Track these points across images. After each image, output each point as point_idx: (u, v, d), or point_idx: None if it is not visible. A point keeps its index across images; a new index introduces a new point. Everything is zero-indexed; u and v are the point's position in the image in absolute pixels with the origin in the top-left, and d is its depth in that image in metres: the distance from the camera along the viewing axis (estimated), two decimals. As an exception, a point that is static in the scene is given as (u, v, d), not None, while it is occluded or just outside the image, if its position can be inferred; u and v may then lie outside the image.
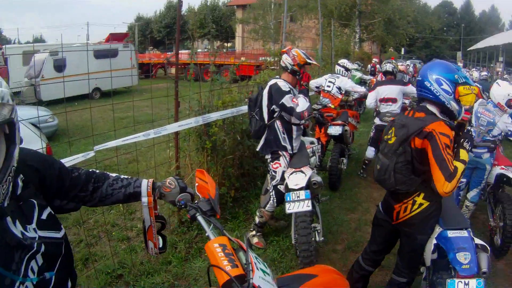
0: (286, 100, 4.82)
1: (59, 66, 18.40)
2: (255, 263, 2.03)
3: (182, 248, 5.17)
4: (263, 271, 2.08)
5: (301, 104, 4.82)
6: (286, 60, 5.01)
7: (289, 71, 5.01)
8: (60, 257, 1.80)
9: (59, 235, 1.80)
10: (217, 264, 1.90)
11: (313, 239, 4.66)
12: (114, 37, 28.50)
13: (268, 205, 5.20)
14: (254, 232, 5.44)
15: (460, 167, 3.03)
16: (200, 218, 2.24)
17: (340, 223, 6.19)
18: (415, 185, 3.24)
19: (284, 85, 4.93)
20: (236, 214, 6.14)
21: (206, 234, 2.16)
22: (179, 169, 5.74)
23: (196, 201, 2.35)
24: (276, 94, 4.91)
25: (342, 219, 6.33)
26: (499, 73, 26.18)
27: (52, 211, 1.82)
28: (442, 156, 3.00)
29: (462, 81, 3.31)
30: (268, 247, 5.37)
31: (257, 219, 5.40)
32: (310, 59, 5.12)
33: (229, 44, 53.69)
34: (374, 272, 4.19)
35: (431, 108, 3.34)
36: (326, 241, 5.53)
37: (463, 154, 3.15)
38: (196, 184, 2.43)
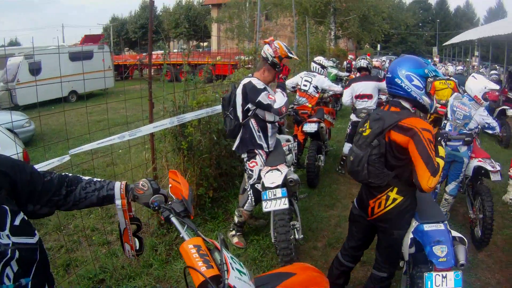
0: (263, 98, 4.78)
1: (35, 70, 18.13)
2: (230, 263, 2.02)
3: (162, 251, 5.13)
4: (239, 271, 2.06)
5: (279, 99, 4.80)
6: (267, 51, 4.95)
7: (269, 62, 4.96)
8: (36, 262, 1.78)
9: (33, 240, 1.79)
10: (192, 265, 1.89)
11: (292, 237, 4.65)
12: (89, 39, 28.19)
13: (246, 205, 5.19)
14: (234, 232, 5.43)
15: (441, 163, 3.07)
16: (174, 219, 2.22)
17: (319, 220, 6.21)
18: (387, 179, 3.24)
19: (258, 83, 4.89)
20: (215, 214, 6.11)
21: (181, 235, 2.15)
22: (156, 171, 5.69)
23: (169, 202, 2.33)
24: (251, 92, 4.86)
25: (322, 216, 6.35)
26: (475, 67, 26.53)
27: (25, 217, 1.80)
28: (427, 152, 3.01)
29: (432, 75, 3.33)
30: (248, 246, 5.36)
31: (236, 219, 5.38)
32: (291, 53, 5.08)
33: (205, 44, 53.50)
34: (355, 268, 4.22)
35: (405, 103, 3.35)
36: (306, 238, 5.56)
37: (441, 151, 3.19)
38: (170, 185, 2.42)
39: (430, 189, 3.01)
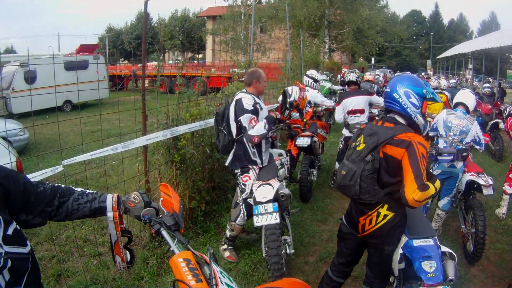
0: (244, 119, 4.86)
1: (30, 78, 18.11)
2: (219, 278, 2.04)
3: (154, 263, 5.13)
4: (228, 286, 2.09)
5: (257, 128, 4.86)
6: (295, 93, 5.17)
7: (288, 100, 5.08)
8: (27, 272, 1.81)
9: (25, 250, 1.81)
10: (182, 279, 1.91)
11: (283, 251, 4.65)
12: (84, 49, 28.25)
13: (238, 219, 5.20)
14: (225, 246, 5.42)
15: (432, 189, 3.07)
16: (164, 232, 2.25)
17: (312, 235, 6.21)
18: (378, 196, 3.25)
19: (248, 102, 4.95)
20: (208, 228, 6.11)
21: (171, 249, 2.17)
22: (148, 183, 5.70)
23: (160, 216, 2.36)
24: (238, 109, 4.95)
25: (314, 231, 6.35)
26: (468, 80, 26.72)
27: (17, 226, 1.82)
28: (418, 164, 3.04)
29: (429, 97, 3.38)
30: (240, 260, 5.36)
31: (228, 233, 5.39)
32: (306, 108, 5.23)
33: (200, 56, 53.65)
34: (347, 283, 4.23)
35: (399, 119, 3.39)
36: (298, 253, 5.57)
37: (438, 183, 3.22)
38: (161, 198, 2.45)
39: (413, 202, 3.01)
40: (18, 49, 74.65)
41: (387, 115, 3.51)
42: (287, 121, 7.45)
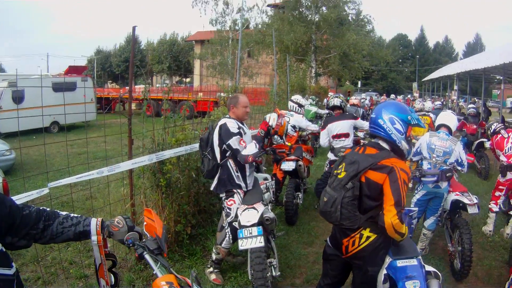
0: (233, 142, 4.93)
1: (18, 98, 18.06)
2: (201, 300, 2.08)
3: (139, 286, 5.13)
4: None
5: (250, 148, 4.96)
6: (273, 120, 5.21)
7: (268, 127, 5.18)
8: None
9: (11, 272, 1.84)
10: (165, 302, 1.95)
11: (269, 274, 4.69)
12: (73, 70, 28.15)
13: (224, 242, 5.21)
14: (211, 269, 5.42)
15: (405, 230, 3.16)
16: (147, 256, 2.29)
17: (298, 257, 6.23)
18: (359, 222, 3.30)
19: (232, 126, 5.03)
20: (193, 251, 6.10)
21: (154, 272, 2.22)
22: (134, 207, 5.71)
23: (144, 240, 2.39)
24: (224, 134, 5.02)
25: (300, 253, 6.37)
26: (454, 101, 27.06)
27: (3, 248, 1.85)
28: (399, 190, 3.11)
29: (414, 123, 3.48)
30: (226, 283, 5.36)
31: (214, 256, 5.39)
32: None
33: (187, 80, 53.83)
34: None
35: (384, 144, 3.47)
36: (284, 275, 5.59)
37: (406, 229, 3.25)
38: (145, 223, 2.48)
39: (390, 227, 3.06)
40: (7, 67, 74.32)
41: (371, 141, 3.59)
42: (268, 149, 7.46)
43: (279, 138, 7.94)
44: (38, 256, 5.43)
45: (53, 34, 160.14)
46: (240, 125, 5.18)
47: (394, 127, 3.40)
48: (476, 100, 25.01)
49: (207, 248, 6.27)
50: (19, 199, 3.94)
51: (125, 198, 5.94)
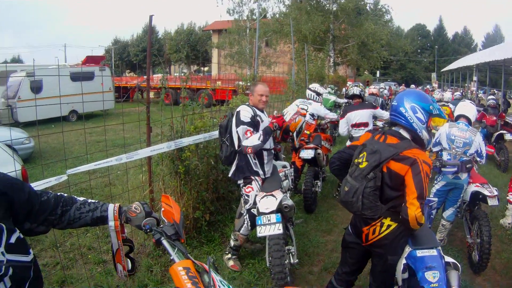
0: (240, 130, 4.95)
1: (36, 88, 18.22)
2: (219, 286, 2.06)
3: (157, 271, 5.15)
4: None
5: (252, 139, 4.89)
6: (289, 114, 5.34)
7: (279, 126, 5.23)
8: (29, 280, 1.84)
9: (28, 258, 1.84)
10: (181, 287, 1.93)
11: (287, 261, 4.68)
12: (91, 60, 28.21)
13: (242, 229, 5.22)
14: (229, 255, 5.43)
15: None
16: (164, 242, 2.28)
17: (316, 245, 6.22)
18: (380, 212, 3.28)
19: (245, 114, 5.02)
20: (212, 237, 6.12)
21: (171, 258, 2.20)
22: (152, 193, 5.73)
23: (161, 226, 2.38)
24: (236, 121, 5.05)
25: (318, 241, 6.36)
26: (473, 92, 26.75)
27: (21, 235, 1.85)
28: (422, 182, 3.08)
29: (436, 113, 3.43)
30: (244, 269, 5.37)
31: (232, 243, 5.40)
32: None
33: (205, 69, 53.92)
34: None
35: (404, 133, 3.42)
36: (303, 263, 5.58)
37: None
38: (162, 209, 2.48)
39: (414, 220, 3.05)
40: (25, 58, 75.13)
41: (392, 129, 3.54)
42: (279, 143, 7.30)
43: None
44: (57, 242, 5.48)
45: (69, 26, 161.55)
46: (258, 112, 5.16)
47: (415, 116, 3.34)
48: (496, 91, 24.73)
49: (225, 235, 6.30)
50: (38, 185, 3.98)
51: (144, 185, 5.96)
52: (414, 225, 3.10)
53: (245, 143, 4.89)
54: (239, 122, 4.97)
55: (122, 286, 4.82)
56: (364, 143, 3.58)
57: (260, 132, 4.98)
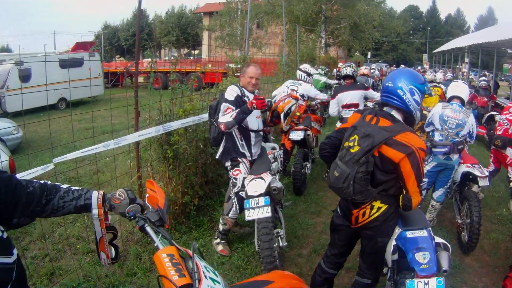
0: (222, 107, 4.92)
1: (25, 77, 18.04)
2: (203, 272, 2.04)
3: (146, 259, 5.12)
4: (213, 280, 2.08)
5: (226, 117, 4.84)
6: (278, 95, 5.29)
7: (269, 105, 5.25)
8: (11, 282, 1.79)
9: (10, 260, 1.80)
10: (165, 274, 1.92)
11: (276, 244, 4.64)
12: (80, 46, 27.94)
13: (231, 212, 5.21)
14: (218, 240, 5.43)
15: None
16: (148, 228, 2.26)
17: (305, 227, 6.22)
18: (371, 196, 3.25)
19: (231, 93, 5.00)
20: (201, 222, 6.11)
21: (155, 245, 2.18)
22: (141, 179, 5.68)
23: (145, 212, 2.36)
24: (220, 99, 5.08)
25: (307, 223, 6.36)
26: (465, 73, 26.74)
27: (4, 235, 1.81)
28: (421, 172, 3.08)
29: (428, 92, 3.41)
30: (233, 254, 5.37)
31: (220, 227, 5.39)
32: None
33: (196, 52, 53.63)
34: (340, 275, 4.24)
35: (396, 115, 3.35)
36: (292, 245, 5.59)
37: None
38: (147, 194, 2.45)
39: (416, 206, 3.16)
40: (13, 47, 74.31)
41: (384, 110, 3.44)
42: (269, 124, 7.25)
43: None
44: (45, 233, 5.43)
45: (58, 13, 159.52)
46: (247, 93, 5.12)
47: (413, 98, 3.27)
48: (487, 73, 24.72)
49: (214, 219, 6.29)
50: (24, 176, 3.90)
51: (132, 171, 5.92)
52: (415, 208, 3.18)
53: (220, 119, 4.87)
54: (223, 100, 4.96)
55: (111, 275, 4.78)
56: (354, 125, 3.48)
57: (238, 109, 4.90)
